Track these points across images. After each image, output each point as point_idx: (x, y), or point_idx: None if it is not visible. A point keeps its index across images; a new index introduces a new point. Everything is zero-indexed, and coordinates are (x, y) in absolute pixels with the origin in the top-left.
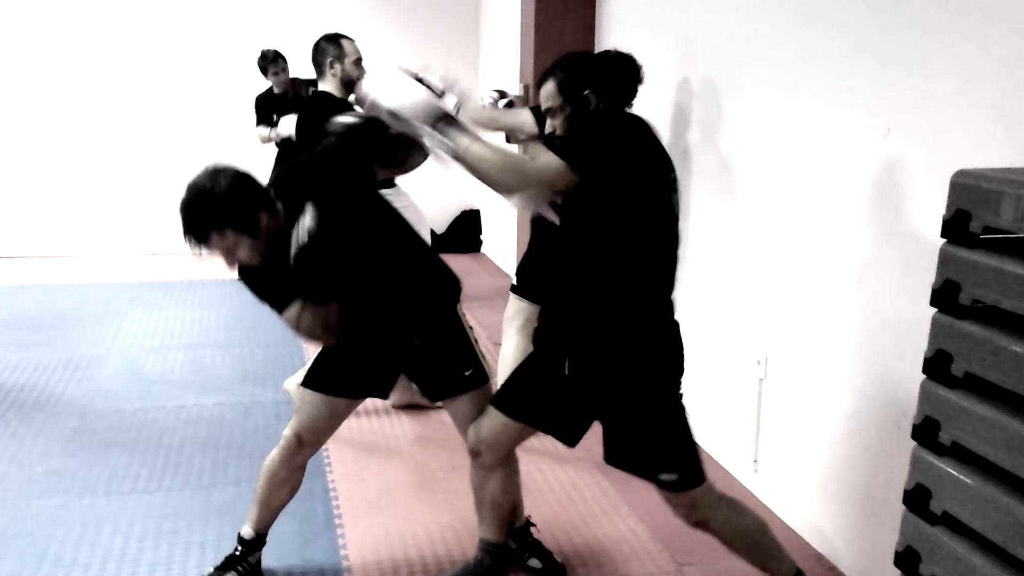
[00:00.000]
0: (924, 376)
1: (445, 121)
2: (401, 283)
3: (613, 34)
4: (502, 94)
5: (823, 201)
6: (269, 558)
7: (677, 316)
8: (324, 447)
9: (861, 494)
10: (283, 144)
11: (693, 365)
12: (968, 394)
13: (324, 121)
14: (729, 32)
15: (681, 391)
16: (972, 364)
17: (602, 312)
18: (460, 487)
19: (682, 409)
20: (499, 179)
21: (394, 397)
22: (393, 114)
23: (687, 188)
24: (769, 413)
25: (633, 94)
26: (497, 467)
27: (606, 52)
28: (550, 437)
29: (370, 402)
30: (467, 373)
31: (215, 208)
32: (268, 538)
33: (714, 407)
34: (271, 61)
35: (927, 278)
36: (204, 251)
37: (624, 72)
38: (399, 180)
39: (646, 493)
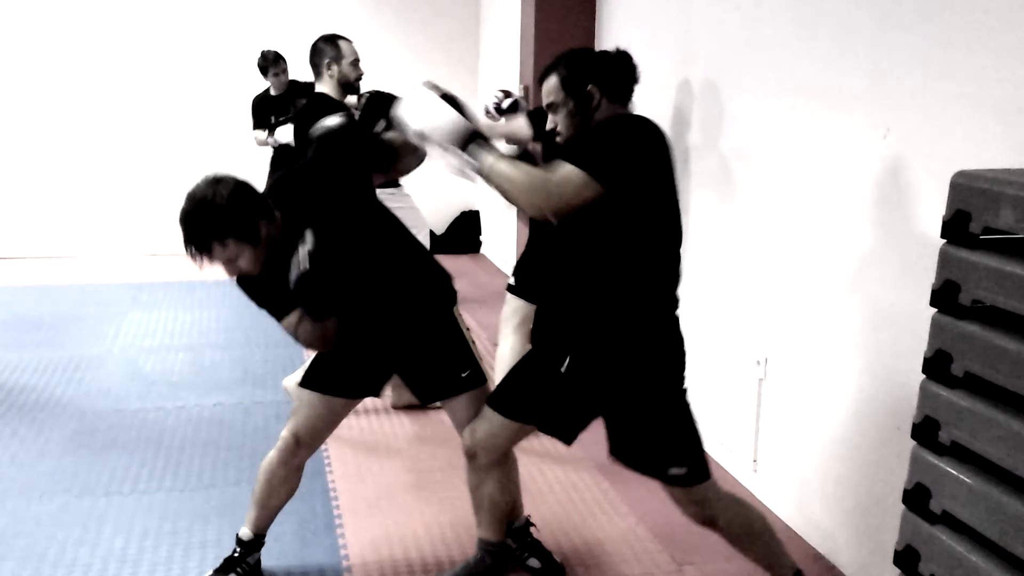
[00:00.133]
0: (924, 376)
1: (471, 140)
2: (396, 288)
3: (613, 35)
4: (507, 94)
5: (823, 201)
6: (269, 558)
7: (678, 314)
8: (324, 447)
9: (861, 493)
10: (279, 149)
11: (693, 365)
12: (968, 394)
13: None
14: (729, 33)
15: (685, 385)
16: (972, 364)
17: (609, 309)
18: (460, 487)
19: (687, 403)
20: (524, 199)
21: (394, 397)
22: (419, 134)
23: (687, 188)
24: (769, 413)
25: (632, 91)
26: (494, 468)
27: (606, 51)
28: (549, 437)
29: (370, 402)
30: (464, 374)
31: (216, 218)
32: (268, 538)
33: (714, 407)
34: (272, 62)
35: (927, 278)
36: (205, 261)
37: (626, 68)
38: (402, 180)
39: (646, 493)
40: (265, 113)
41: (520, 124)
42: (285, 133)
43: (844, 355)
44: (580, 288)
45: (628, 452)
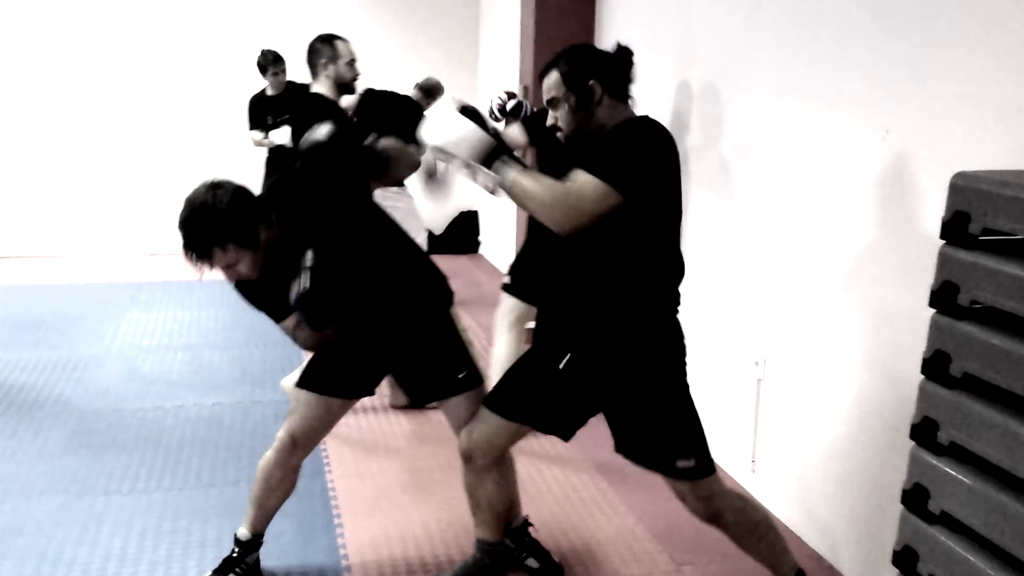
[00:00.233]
0: (923, 376)
1: (493, 155)
2: (392, 290)
3: (613, 35)
4: (511, 95)
5: (822, 202)
6: (269, 558)
7: (679, 309)
8: (323, 447)
9: (859, 494)
10: (275, 150)
11: (692, 366)
12: (966, 394)
13: (319, 123)
14: (729, 34)
15: (687, 378)
16: (970, 364)
17: (613, 306)
18: (459, 486)
19: (690, 395)
20: (546, 214)
21: (392, 397)
22: (440, 149)
23: (686, 188)
24: (767, 414)
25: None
26: (491, 469)
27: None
28: (548, 438)
29: (368, 401)
30: (460, 375)
31: (217, 223)
32: (268, 538)
33: (713, 407)
34: (271, 61)
35: (926, 279)
36: (205, 266)
37: (627, 64)
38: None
39: (644, 494)
40: (262, 113)
41: (514, 131)
42: (280, 134)
43: (843, 356)
44: (584, 286)
45: (634, 447)
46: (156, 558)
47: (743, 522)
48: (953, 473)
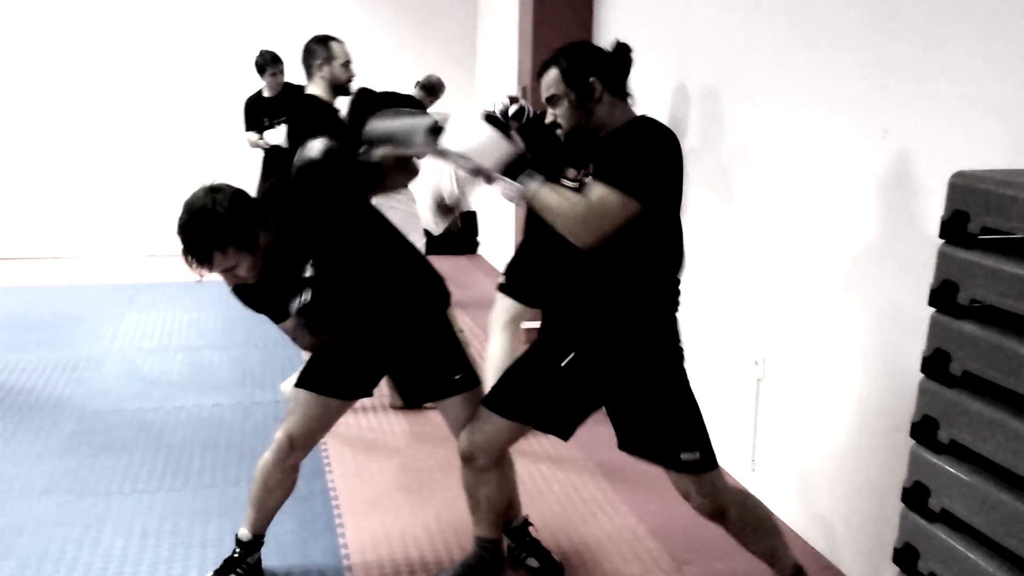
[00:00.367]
0: (922, 375)
1: (514, 166)
2: (389, 292)
3: (611, 36)
4: (513, 100)
5: (821, 202)
6: (270, 558)
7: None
8: (323, 448)
9: (859, 492)
10: (271, 150)
11: (692, 365)
12: (966, 393)
13: (314, 126)
14: (728, 34)
15: (687, 374)
16: (970, 363)
17: (617, 305)
18: (459, 486)
19: (691, 388)
20: (566, 228)
21: (392, 397)
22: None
23: (686, 187)
24: (767, 413)
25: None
26: (491, 469)
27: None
28: (548, 438)
29: (368, 402)
30: (457, 377)
31: (217, 227)
32: (269, 538)
33: (712, 407)
34: (270, 62)
35: (925, 278)
36: (204, 270)
37: (626, 61)
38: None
39: (645, 493)
40: (258, 114)
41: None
42: (276, 134)
43: (842, 355)
44: (588, 285)
45: (638, 441)
46: (158, 558)
47: (746, 518)
48: (953, 471)
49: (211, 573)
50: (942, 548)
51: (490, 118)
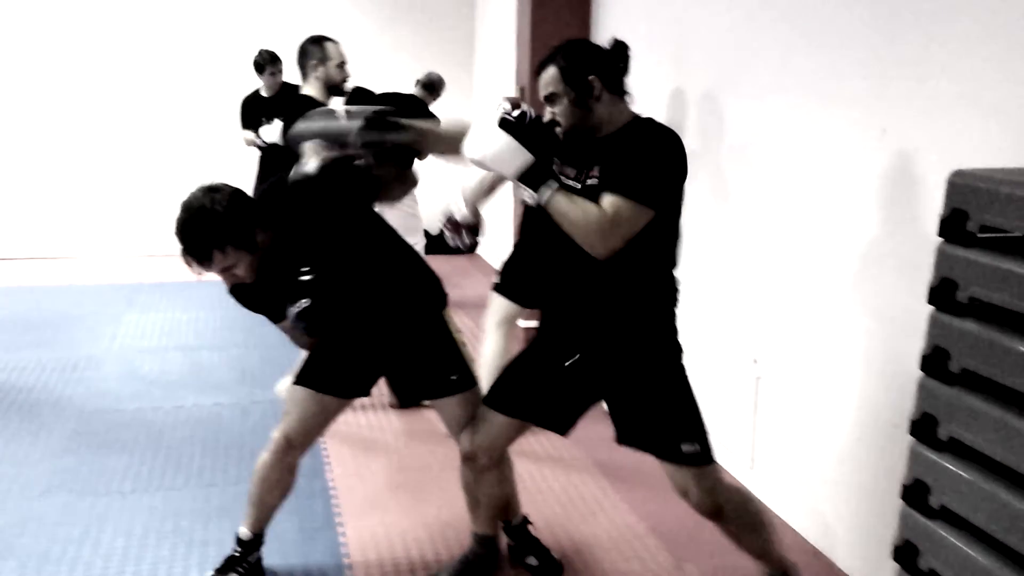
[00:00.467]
0: (922, 373)
1: (531, 173)
2: (386, 293)
3: (609, 36)
4: (514, 104)
5: (820, 201)
6: (270, 557)
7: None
8: (323, 447)
9: (859, 490)
10: (267, 149)
11: (690, 364)
12: (965, 390)
13: None
14: (726, 34)
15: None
16: (969, 361)
17: (622, 305)
18: (459, 484)
19: (688, 382)
20: (583, 238)
21: (392, 397)
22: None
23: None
24: (765, 411)
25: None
26: (491, 468)
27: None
28: (548, 437)
29: (368, 400)
30: (453, 377)
31: (215, 226)
32: (269, 537)
33: (710, 405)
34: (268, 61)
35: (924, 276)
36: (203, 269)
37: (624, 59)
38: None
39: (645, 492)
40: (255, 114)
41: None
42: (271, 131)
43: (841, 353)
44: (590, 286)
45: (638, 433)
46: (158, 557)
47: (743, 516)
48: (953, 468)
49: (212, 572)
50: (941, 545)
51: (506, 123)
